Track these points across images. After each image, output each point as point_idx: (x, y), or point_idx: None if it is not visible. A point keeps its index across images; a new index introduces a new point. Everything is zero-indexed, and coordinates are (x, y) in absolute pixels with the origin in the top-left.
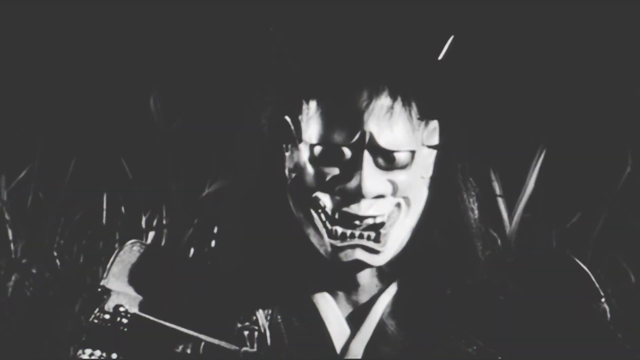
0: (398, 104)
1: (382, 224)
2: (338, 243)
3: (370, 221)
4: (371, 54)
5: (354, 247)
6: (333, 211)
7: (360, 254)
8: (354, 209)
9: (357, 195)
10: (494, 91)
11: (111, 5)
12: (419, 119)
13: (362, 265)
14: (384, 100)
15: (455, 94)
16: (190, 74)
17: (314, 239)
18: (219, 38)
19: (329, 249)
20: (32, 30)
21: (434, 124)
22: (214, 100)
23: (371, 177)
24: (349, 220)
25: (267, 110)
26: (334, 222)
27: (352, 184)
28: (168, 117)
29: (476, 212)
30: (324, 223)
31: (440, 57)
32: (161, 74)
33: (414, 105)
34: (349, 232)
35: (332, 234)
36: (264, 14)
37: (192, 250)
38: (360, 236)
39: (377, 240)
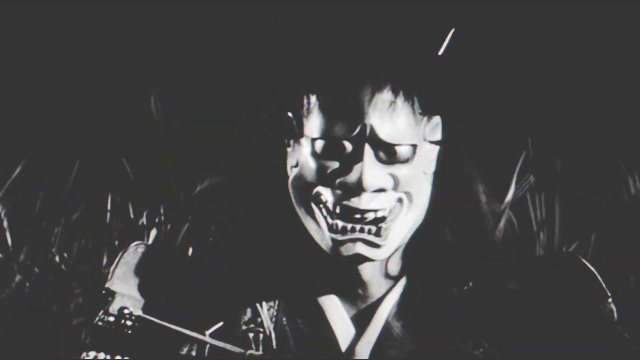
0: (400, 98)
1: (383, 218)
2: (339, 237)
3: (371, 215)
4: (373, 48)
5: (354, 240)
6: (334, 205)
7: (360, 248)
8: (354, 202)
9: (358, 188)
10: (496, 87)
11: (111, 6)
12: (420, 113)
13: (362, 259)
14: (385, 94)
15: (457, 89)
16: (190, 74)
17: (315, 234)
18: (218, 37)
19: (330, 243)
20: (33, 31)
21: (437, 120)
22: (214, 99)
23: (372, 170)
24: (350, 214)
25: (269, 105)
26: (334, 216)
27: (353, 177)
28: (168, 117)
29: (486, 206)
30: (325, 218)
31: (440, 52)
32: (161, 74)
33: (416, 99)
34: (349, 226)
35: (332, 228)
36: (265, 10)
37: (190, 249)
38: (361, 230)
39: (377, 234)
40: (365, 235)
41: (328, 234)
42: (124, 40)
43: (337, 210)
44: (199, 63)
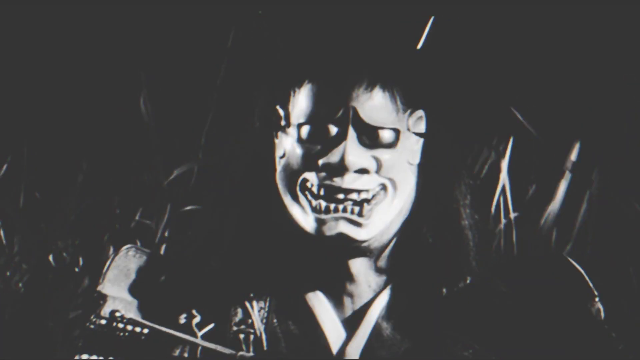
0: (381, 87)
1: (366, 200)
2: (322, 216)
3: (354, 196)
4: (356, 38)
5: (337, 219)
6: (318, 187)
7: (343, 227)
8: (337, 182)
9: (341, 167)
10: (478, 80)
11: (101, 6)
12: (403, 104)
13: (346, 239)
14: (368, 82)
15: (439, 82)
16: (181, 73)
17: (299, 217)
18: (209, 36)
19: (314, 223)
20: (21, 32)
21: (420, 113)
22: (205, 98)
23: (355, 150)
24: (333, 194)
25: (261, 101)
26: (318, 196)
27: (336, 156)
28: (158, 117)
29: (468, 205)
30: (309, 201)
31: (419, 46)
32: (152, 74)
33: (397, 93)
34: (332, 205)
35: (316, 209)
36: (253, 5)
37: (180, 250)
38: (344, 210)
39: (360, 214)
40: (347, 215)
41: (312, 215)
42: (113, 41)
43: (322, 192)
44: (190, 61)
